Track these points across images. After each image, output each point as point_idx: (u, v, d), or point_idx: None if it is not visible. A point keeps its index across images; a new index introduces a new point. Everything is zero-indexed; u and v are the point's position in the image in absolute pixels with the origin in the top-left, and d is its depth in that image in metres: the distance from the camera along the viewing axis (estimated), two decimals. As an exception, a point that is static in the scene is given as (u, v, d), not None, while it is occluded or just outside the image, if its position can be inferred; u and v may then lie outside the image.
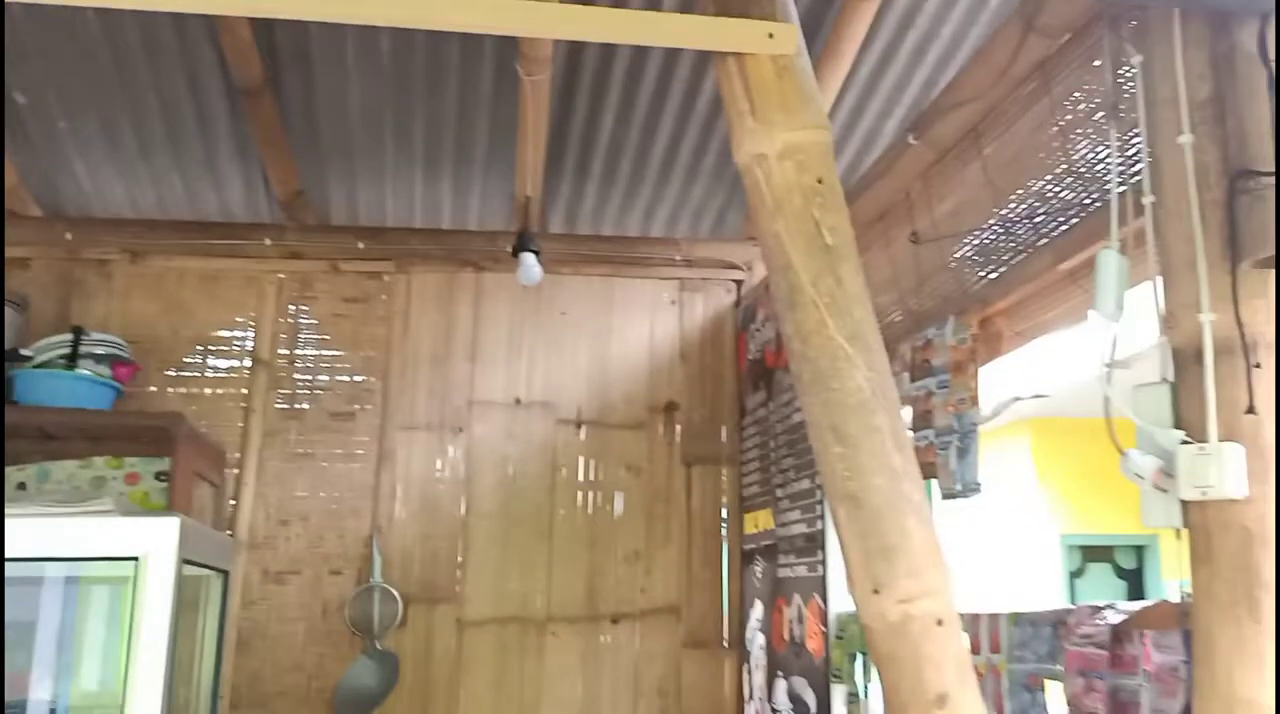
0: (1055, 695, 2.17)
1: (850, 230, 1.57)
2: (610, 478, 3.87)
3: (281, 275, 3.75)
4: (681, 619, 3.84)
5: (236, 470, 3.52)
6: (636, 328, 3.96)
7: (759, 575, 3.72)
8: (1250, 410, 1.60)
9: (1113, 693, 2.02)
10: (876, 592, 1.57)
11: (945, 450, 2.50)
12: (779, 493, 3.54)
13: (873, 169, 2.87)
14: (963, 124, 2.47)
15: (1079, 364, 4.54)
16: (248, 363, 3.67)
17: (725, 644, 3.85)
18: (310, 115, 3.37)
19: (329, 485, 3.63)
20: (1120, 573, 8.19)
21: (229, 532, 3.46)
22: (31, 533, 1.53)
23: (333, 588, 3.57)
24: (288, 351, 3.71)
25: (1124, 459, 1.72)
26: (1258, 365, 1.61)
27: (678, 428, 3.94)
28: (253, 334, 3.68)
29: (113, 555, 1.41)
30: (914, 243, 2.79)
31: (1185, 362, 1.67)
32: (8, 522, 1.52)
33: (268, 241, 3.67)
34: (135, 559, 1.39)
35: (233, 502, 3.49)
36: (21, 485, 3.06)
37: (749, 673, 3.75)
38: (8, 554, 1.49)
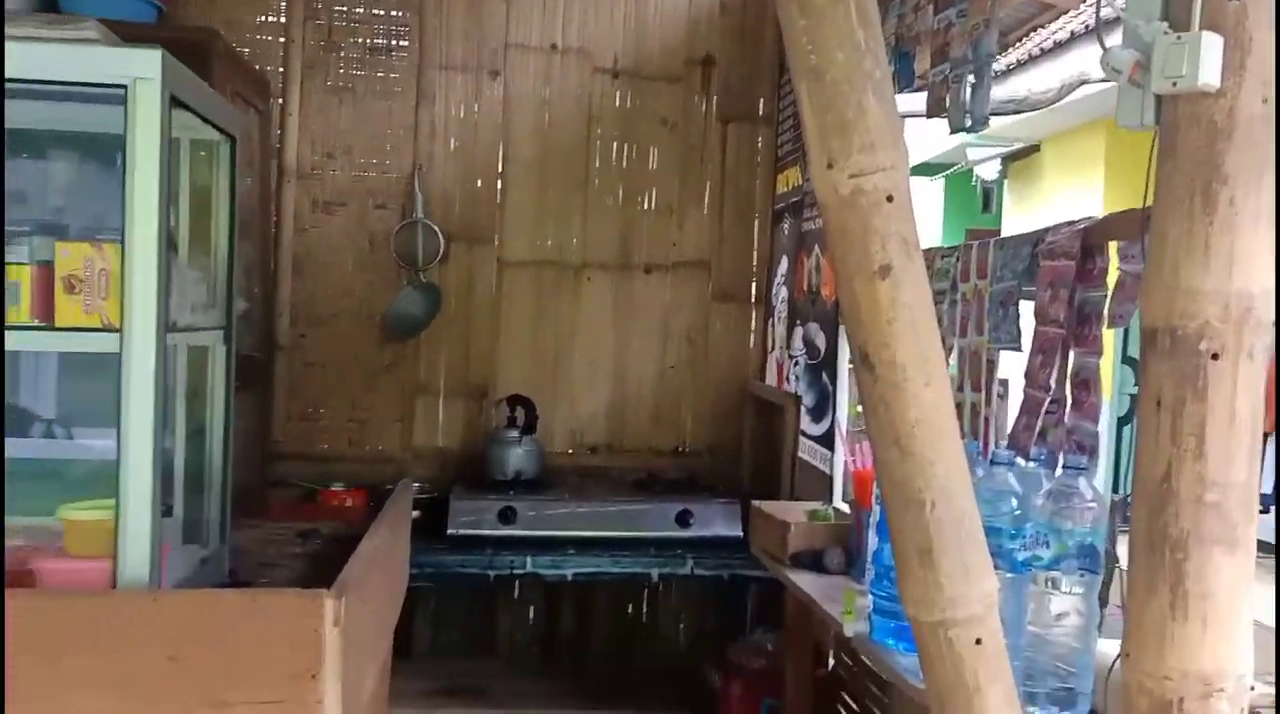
0: (1026, 311, 2.29)
1: None
2: (645, 131, 3.91)
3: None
4: (711, 273, 4.00)
5: (280, 100, 3.65)
6: (675, -26, 3.85)
7: (786, 232, 3.82)
8: (1235, -2, 1.56)
9: (1080, 305, 2.12)
10: (830, 166, 1.63)
11: (958, 83, 2.47)
12: (810, 148, 3.56)
13: None
14: None
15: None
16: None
17: (753, 299, 4.03)
18: None
19: (370, 121, 3.75)
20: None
21: (275, 161, 3.64)
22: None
23: (378, 221, 3.78)
24: (319, -24, 3.69)
25: (1103, 55, 1.71)
26: (1250, -51, 1.55)
27: (714, 84, 3.92)
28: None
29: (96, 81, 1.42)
30: None
31: (1180, -52, 1.62)
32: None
33: None
34: (123, 87, 1.45)
35: (278, 132, 3.65)
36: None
37: (773, 326, 3.95)
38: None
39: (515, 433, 3.70)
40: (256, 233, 3.39)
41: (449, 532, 3.42)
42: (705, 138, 3.94)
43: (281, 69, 3.65)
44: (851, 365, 1.83)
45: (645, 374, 4.00)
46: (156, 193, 1.43)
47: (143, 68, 1.42)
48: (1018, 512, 1.94)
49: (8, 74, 1.44)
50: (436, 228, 3.77)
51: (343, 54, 3.71)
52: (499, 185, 3.85)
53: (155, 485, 1.48)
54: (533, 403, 3.74)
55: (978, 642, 1.44)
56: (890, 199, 1.66)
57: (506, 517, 3.47)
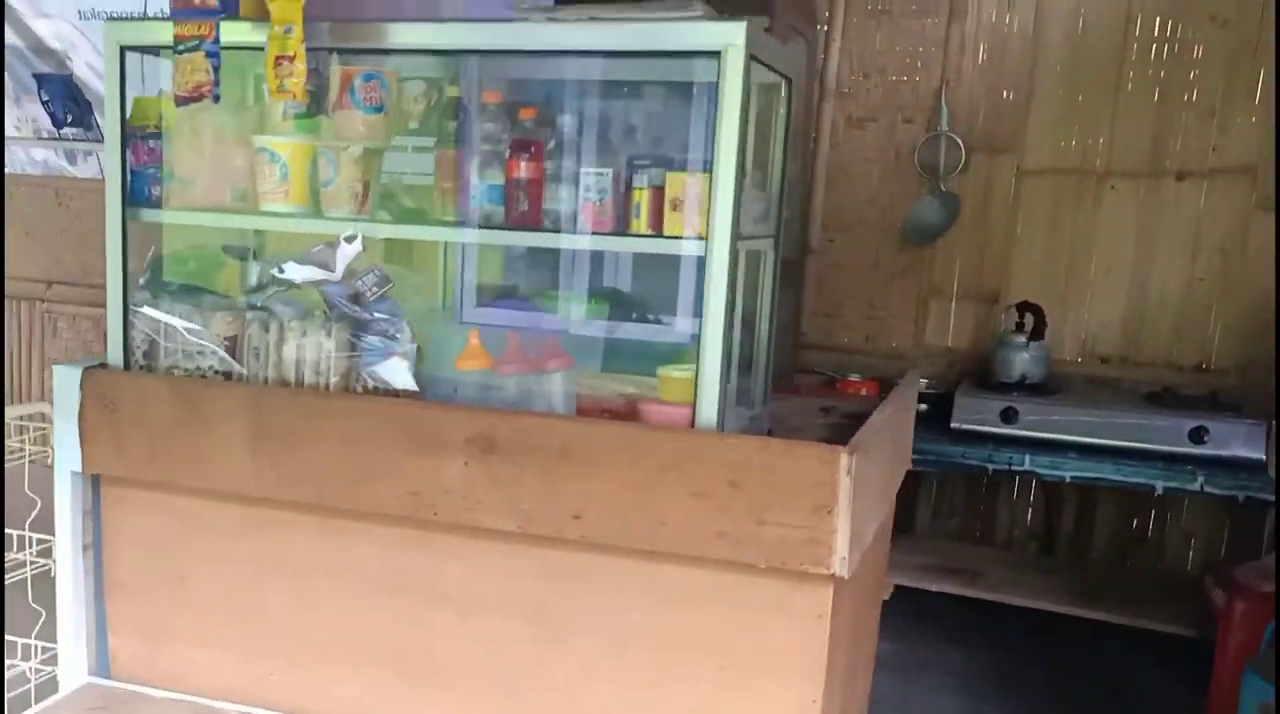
0: None
1: None
2: (1190, 28, 3.73)
3: None
4: (1257, 181, 3.75)
5: (824, 27, 4.05)
6: None
7: (1357, 135, 3.44)
8: None
9: None
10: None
11: None
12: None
13: None
14: None
15: None
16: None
17: (1308, 209, 3.71)
18: None
19: (904, 39, 4.02)
20: None
21: (817, 81, 4.07)
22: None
23: (904, 134, 4.07)
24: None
25: None
26: None
27: (1282, -31, 3.59)
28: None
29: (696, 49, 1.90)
30: None
31: None
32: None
33: None
34: (717, 52, 1.90)
35: (821, 56, 4.07)
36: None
37: (1333, 238, 3.61)
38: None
39: (1023, 338, 3.85)
40: (797, 149, 3.87)
41: (952, 425, 3.71)
42: (1260, 32, 3.65)
43: (828, -4, 4.07)
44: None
45: (1168, 286, 3.89)
46: (737, 134, 1.90)
47: (732, 37, 1.88)
48: None
49: (640, 47, 1.99)
50: (959, 139, 3.98)
51: (885, -24, 4.02)
52: (1024, 95, 3.93)
53: (724, 355, 1.99)
54: (1042, 309, 3.85)
55: None
56: None
57: (1008, 416, 3.67)
